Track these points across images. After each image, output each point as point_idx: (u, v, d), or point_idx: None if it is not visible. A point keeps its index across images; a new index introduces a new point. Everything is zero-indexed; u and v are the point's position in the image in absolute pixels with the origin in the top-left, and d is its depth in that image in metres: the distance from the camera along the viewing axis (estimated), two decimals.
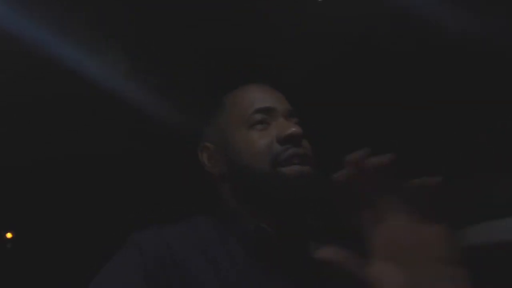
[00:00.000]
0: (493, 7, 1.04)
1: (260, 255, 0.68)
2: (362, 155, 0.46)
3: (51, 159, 1.80)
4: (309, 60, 1.28)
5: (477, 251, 1.06)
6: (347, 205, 0.49)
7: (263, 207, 0.71)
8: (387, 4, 1.09)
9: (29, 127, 1.58)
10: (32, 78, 1.23)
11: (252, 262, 0.67)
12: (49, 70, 1.18)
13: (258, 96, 0.78)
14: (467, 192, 1.16)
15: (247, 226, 0.70)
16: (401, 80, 1.23)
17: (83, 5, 1.02)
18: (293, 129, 0.72)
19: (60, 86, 1.29)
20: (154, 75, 1.34)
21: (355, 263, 0.48)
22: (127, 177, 1.88)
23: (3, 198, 2.02)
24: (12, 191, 1.98)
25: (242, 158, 0.73)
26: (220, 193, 0.78)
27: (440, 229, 0.44)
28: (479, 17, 1.05)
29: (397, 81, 1.23)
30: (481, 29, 1.06)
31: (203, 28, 1.15)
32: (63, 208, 2.02)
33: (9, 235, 2.23)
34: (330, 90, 1.31)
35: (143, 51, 1.22)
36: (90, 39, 1.11)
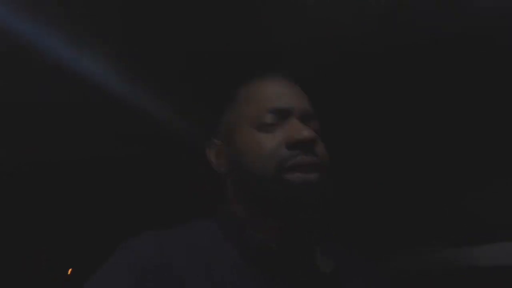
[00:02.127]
0: None
1: (263, 268, 0.63)
2: None
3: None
4: (304, 65, 1.25)
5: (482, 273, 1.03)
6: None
7: (265, 214, 0.66)
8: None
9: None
10: (25, 79, 1.21)
11: (254, 275, 0.62)
12: (43, 71, 1.16)
13: (273, 94, 0.72)
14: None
15: (250, 239, 0.65)
16: (402, 82, 1.20)
17: (79, 3, 1.00)
18: (305, 133, 0.65)
19: (58, 88, 1.26)
20: (153, 72, 1.31)
21: None
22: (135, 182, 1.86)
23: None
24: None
25: (246, 160, 0.67)
26: (225, 193, 0.73)
27: None
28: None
29: (397, 82, 1.20)
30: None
31: (201, 26, 1.13)
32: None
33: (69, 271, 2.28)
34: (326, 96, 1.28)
35: (141, 48, 1.20)
36: (86, 37, 1.09)
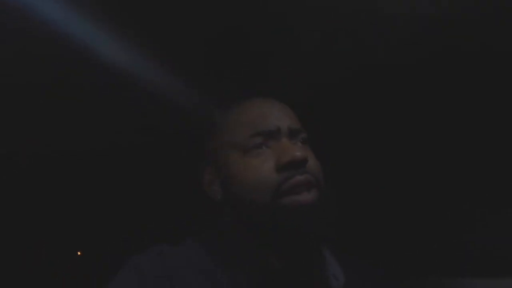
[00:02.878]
0: None
1: None
2: None
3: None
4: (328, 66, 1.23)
5: None
6: None
7: (266, 239, 0.65)
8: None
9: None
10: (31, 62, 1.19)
11: None
12: (51, 53, 1.14)
13: (259, 116, 0.68)
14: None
15: (252, 260, 0.64)
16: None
17: None
18: (296, 153, 0.63)
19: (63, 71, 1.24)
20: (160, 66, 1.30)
21: None
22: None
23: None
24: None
25: (239, 188, 0.65)
26: (223, 218, 0.71)
27: None
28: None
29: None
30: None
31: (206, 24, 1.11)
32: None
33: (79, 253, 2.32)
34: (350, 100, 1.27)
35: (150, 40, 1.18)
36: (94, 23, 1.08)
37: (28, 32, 1.09)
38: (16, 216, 2.01)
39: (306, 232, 0.64)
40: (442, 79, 1.18)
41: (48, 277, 2.17)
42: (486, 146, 1.17)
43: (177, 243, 0.69)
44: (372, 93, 1.25)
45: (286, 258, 0.65)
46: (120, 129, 1.64)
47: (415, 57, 1.14)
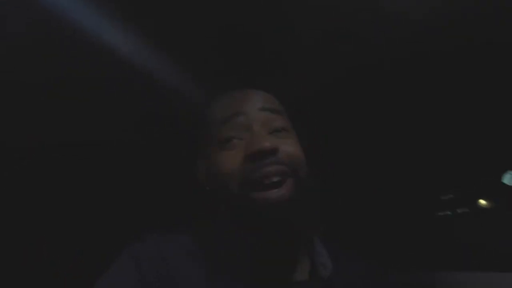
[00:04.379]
0: None
1: (260, 276, 0.63)
2: None
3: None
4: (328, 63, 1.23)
5: None
6: None
7: (248, 228, 0.64)
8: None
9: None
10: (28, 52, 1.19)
11: (254, 283, 0.62)
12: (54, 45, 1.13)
13: (227, 106, 0.69)
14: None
15: (240, 248, 0.64)
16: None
17: None
18: (263, 143, 0.62)
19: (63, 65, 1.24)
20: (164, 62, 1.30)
21: None
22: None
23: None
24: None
25: (214, 181, 0.67)
26: (214, 206, 0.72)
27: None
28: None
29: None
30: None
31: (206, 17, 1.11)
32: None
33: None
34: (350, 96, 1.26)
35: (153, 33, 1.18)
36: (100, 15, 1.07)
37: (33, 25, 1.09)
38: (15, 212, 2.00)
39: (281, 226, 0.63)
40: (443, 78, 1.18)
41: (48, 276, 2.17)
42: (486, 145, 1.17)
43: (171, 230, 0.70)
44: (374, 91, 1.26)
45: (270, 247, 0.64)
46: (126, 127, 1.64)
47: (417, 56, 1.14)
